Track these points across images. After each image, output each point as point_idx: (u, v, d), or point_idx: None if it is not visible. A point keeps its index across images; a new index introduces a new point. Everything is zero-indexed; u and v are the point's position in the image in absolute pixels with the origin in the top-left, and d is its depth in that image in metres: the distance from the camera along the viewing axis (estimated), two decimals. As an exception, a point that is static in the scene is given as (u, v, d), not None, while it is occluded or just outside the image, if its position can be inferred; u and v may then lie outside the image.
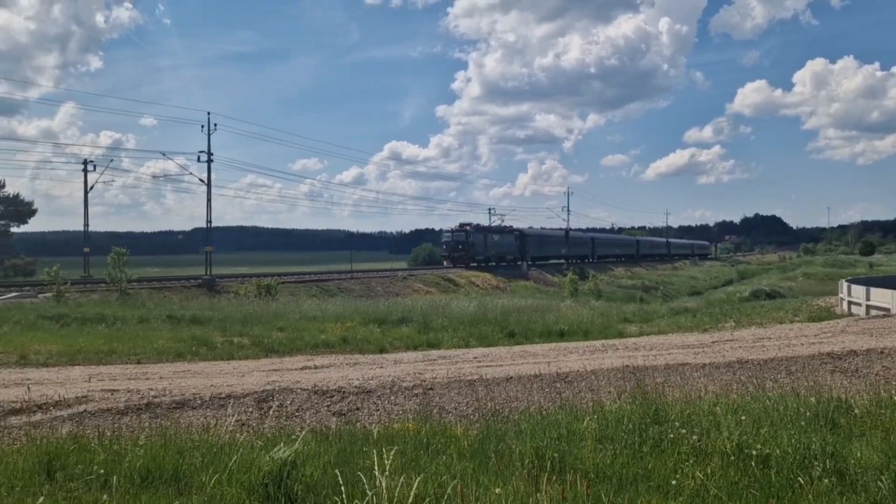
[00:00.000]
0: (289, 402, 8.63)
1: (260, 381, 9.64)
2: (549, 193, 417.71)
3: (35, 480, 4.79)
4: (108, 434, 6.14)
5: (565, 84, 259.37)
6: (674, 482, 4.82)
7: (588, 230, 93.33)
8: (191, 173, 47.64)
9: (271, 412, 8.12)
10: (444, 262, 61.29)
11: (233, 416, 7.55)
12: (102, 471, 4.76)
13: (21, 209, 53.26)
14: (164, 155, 51.51)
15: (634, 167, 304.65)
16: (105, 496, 4.14)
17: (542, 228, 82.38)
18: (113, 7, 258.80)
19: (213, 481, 4.56)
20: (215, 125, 42.05)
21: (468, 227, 60.48)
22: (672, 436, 5.77)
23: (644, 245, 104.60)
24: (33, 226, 58.84)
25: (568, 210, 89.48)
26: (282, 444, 5.04)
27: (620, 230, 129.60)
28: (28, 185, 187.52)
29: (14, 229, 54.29)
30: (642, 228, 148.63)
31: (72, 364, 12.42)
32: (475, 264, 58.79)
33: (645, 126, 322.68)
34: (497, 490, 4.29)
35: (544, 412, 7.33)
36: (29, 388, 8.31)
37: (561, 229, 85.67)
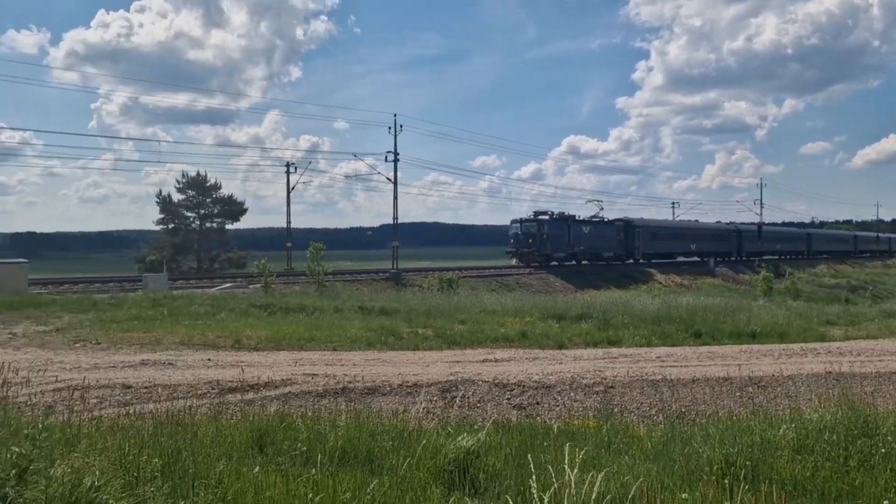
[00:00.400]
0: (471, 393, 8.89)
1: (443, 372, 10.01)
2: (739, 186, 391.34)
3: (249, 453, 5.33)
4: (310, 414, 6.68)
5: (758, 68, 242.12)
6: (885, 502, 4.40)
7: (729, 223, 74.31)
8: (379, 172, 50.35)
9: (455, 402, 8.42)
10: (513, 262, 48.13)
11: (420, 403, 7.93)
12: (305, 448, 5.21)
13: (234, 208, 59.10)
14: (355, 156, 55.14)
15: (839, 155, 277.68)
16: (312, 471, 4.53)
17: (668, 220, 70.79)
18: (311, 21, 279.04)
19: (403, 465, 4.84)
20: (401, 126, 44.18)
21: (544, 216, 47.64)
22: (884, 450, 5.25)
23: (818, 239, 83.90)
24: (244, 223, 64.94)
25: (761, 203, 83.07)
26: (465, 433, 5.23)
27: (822, 224, 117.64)
28: (240, 186, 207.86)
29: (228, 226, 60.42)
30: (848, 222, 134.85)
31: (277, 349, 13.62)
32: (555, 263, 46.20)
33: (852, 110, 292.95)
34: (684, 495, 4.17)
35: (734, 417, 6.95)
36: (243, 369, 9.27)
37: (693, 220, 72.88)
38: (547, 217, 47.91)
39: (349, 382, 9.08)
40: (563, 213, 50.80)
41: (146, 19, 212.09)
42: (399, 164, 45.05)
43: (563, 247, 48.03)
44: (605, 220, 54.81)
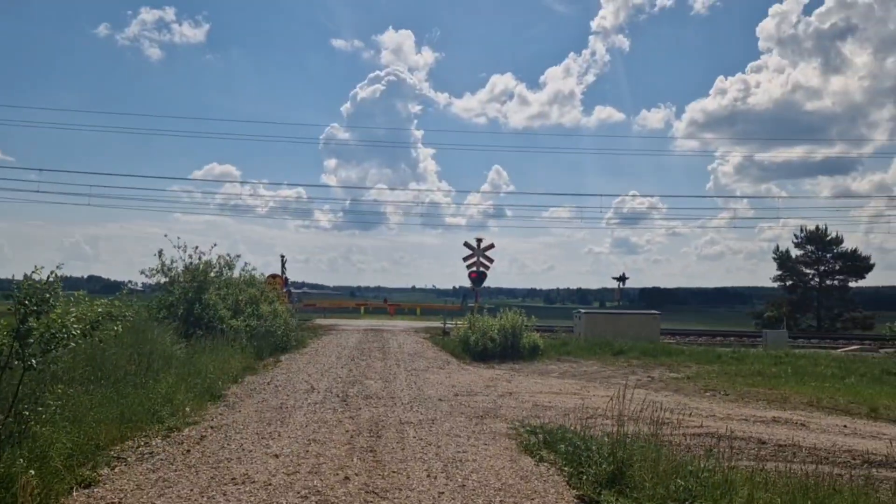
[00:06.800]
0: None
1: None
2: None
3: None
4: None
5: None
6: None
7: None
8: None
9: None
10: None
11: None
12: None
13: (858, 264, 53.94)
14: None
15: None
16: None
17: None
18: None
19: None
20: None
21: None
22: None
23: None
24: (870, 280, 58.48)
25: None
26: None
27: None
28: (863, 239, 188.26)
29: (852, 284, 55.33)
30: None
31: (925, 426, 11.78)
32: None
33: None
34: None
35: None
36: (892, 443, 8.33)
37: None
38: None
39: None
40: None
41: (763, 78, 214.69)
42: None
43: None
44: None
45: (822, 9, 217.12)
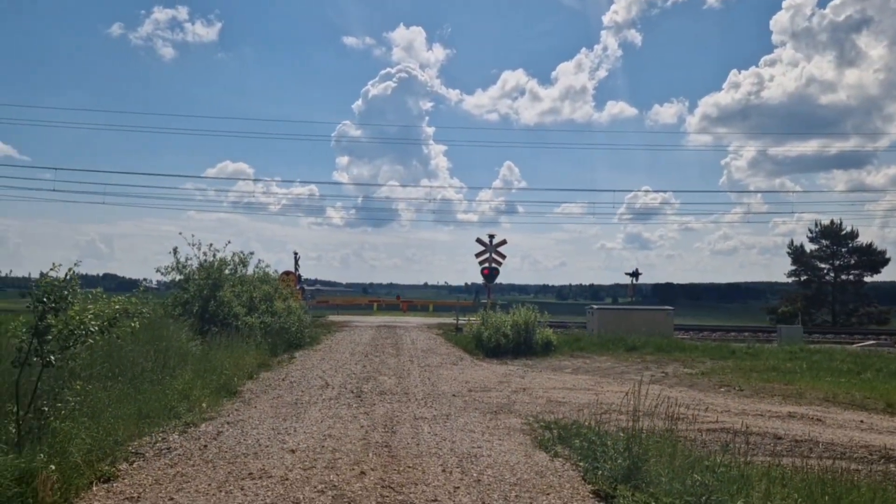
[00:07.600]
0: None
1: None
2: None
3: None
4: None
5: None
6: None
7: None
8: None
9: None
10: None
11: None
12: None
13: (874, 258, 53.56)
14: None
15: None
16: None
17: None
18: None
19: None
20: None
21: None
22: None
23: None
24: (885, 275, 57.98)
25: None
26: None
27: None
28: (878, 233, 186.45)
29: (867, 278, 54.94)
30: None
31: (943, 422, 11.67)
32: None
33: None
34: None
35: None
36: (909, 438, 8.27)
37: None
38: None
39: None
40: None
41: (777, 71, 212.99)
42: None
43: None
44: None
45: (836, 1, 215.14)
